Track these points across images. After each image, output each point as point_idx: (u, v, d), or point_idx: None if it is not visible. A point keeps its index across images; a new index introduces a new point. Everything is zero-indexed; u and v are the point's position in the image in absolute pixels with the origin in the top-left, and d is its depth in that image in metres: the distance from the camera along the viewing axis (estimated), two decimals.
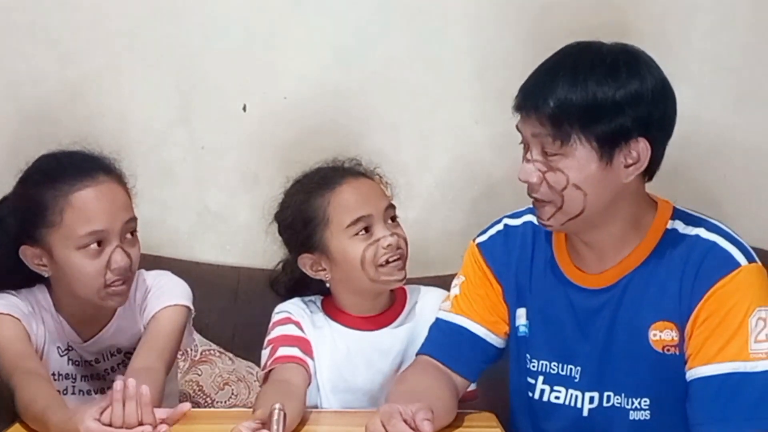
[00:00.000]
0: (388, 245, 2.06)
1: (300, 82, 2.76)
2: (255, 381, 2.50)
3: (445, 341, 2.01)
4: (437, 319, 2.04)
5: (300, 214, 2.12)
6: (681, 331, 1.83)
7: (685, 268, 1.82)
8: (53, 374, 2.12)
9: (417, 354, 2.05)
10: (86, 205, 2.02)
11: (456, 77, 2.76)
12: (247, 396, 2.50)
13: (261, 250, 2.76)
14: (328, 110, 2.76)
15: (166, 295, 2.16)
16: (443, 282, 2.67)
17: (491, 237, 2.02)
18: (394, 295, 2.19)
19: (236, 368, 2.54)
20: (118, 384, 1.76)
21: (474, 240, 2.05)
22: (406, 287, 2.20)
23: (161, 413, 1.78)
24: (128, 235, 2.07)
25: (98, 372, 2.19)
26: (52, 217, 2.02)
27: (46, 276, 2.09)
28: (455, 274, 2.63)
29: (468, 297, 2.00)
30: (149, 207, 2.77)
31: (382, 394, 2.11)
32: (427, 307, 2.16)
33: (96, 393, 2.18)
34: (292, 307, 2.17)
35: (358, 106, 2.76)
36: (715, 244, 1.83)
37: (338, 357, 2.13)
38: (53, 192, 2.03)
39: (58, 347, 2.15)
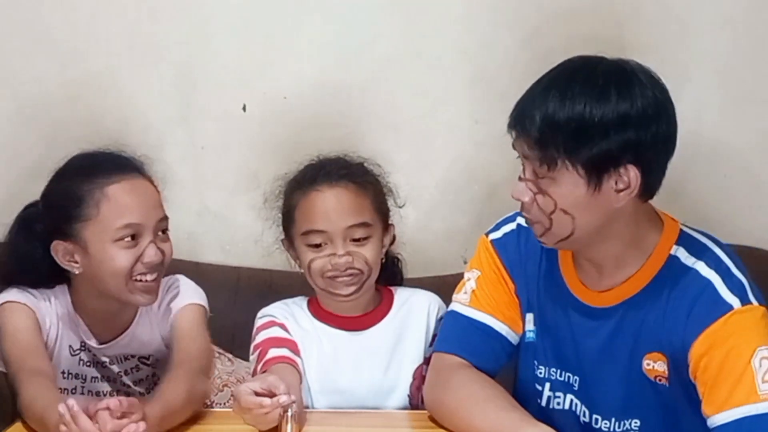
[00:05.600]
0: (334, 264, 2.07)
1: (300, 82, 2.76)
2: None
3: (469, 339, 1.98)
4: (454, 312, 2.01)
5: (285, 203, 2.16)
6: (671, 365, 1.81)
7: (680, 304, 1.80)
8: (63, 372, 2.13)
9: (435, 351, 2.02)
10: (122, 198, 2.05)
11: (456, 77, 2.75)
12: None
13: (261, 250, 2.77)
14: (328, 110, 2.76)
15: (183, 295, 2.18)
16: (443, 282, 2.67)
17: (505, 235, 2.00)
18: (381, 295, 2.20)
19: (235, 369, 2.53)
20: (63, 407, 1.76)
21: (487, 235, 2.02)
22: (392, 288, 2.21)
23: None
24: (160, 233, 2.09)
25: (110, 374, 2.19)
26: (88, 210, 2.04)
27: (76, 272, 2.09)
28: (455, 275, 2.63)
29: (486, 292, 1.98)
30: None
31: (370, 395, 2.13)
32: (415, 309, 2.17)
33: (105, 395, 2.18)
34: (276, 310, 2.19)
35: (358, 106, 2.76)
36: (709, 283, 1.79)
37: (325, 358, 2.14)
38: (89, 185, 2.05)
39: (70, 347, 2.15)
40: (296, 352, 2.12)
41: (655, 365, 1.83)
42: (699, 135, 2.68)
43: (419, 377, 2.13)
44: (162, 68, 2.76)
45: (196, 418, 2.00)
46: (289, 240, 2.17)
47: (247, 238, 2.79)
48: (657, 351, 1.82)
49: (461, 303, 2.00)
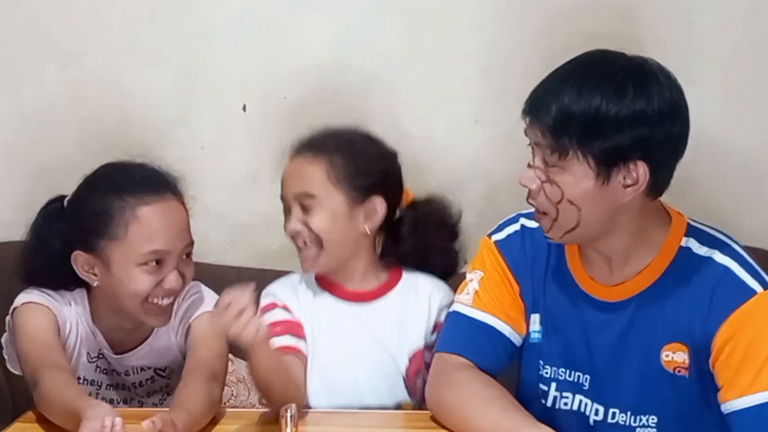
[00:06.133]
0: (289, 232, 2.11)
1: (300, 82, 2.76)
2: None
3: (471, 339, 1.98)
4: (457, 313, 2.01)
5: None
6: (692, 354, 1.82)
7: (699, 292, 1.81)
8: (78, 378, 2.12)
9: (437, 351, 2.01)
10: (152, 222, 2.02)
11: (456, 77, 2.75)
12: (247, 397, 2.49)
13: (261, 250, 2.77)
14: (328, 110, 2.76)
15: (201, 303, 2.16)
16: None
17: (509, 236, 2.00)
18: (389, 274, 2.18)
19: (236, 369, 2.53)
20: (109, 420, 1.72)
21: (489, 236, 2.02)
22: (403, 271, 2.19)
23: None
24: (184, 256, 2.08)
25: (125, 383, 2.19)
26: (116, 229, 2.01)
27: (94, 284, 2.08)
28: (455, 275, 2.63)
29: (489, 293, 1.98)
30: None
31: (368, 372, 2.13)
32: (419, 292, 2.16)
33: (119, 403, 2.18)
34: (278, 289, 2.19)
35: (358, 106, 2.76)
36: (728, 269, 1.81)
37: (324, 329, 2.14)
38: (119, 203, 2.02)
39: (88, 353, 2.15)
40: (299, 334, 2.12)
41: (675, 356, 1.83)
42: (700, 135, 2.66)
43: (417, 361, 2.14)
44: (162, 68, 2.76)
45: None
46: None
47: (247, 238, 2.80)
48: (677, 341, 1.83)
49: (464, 303, 2.00)
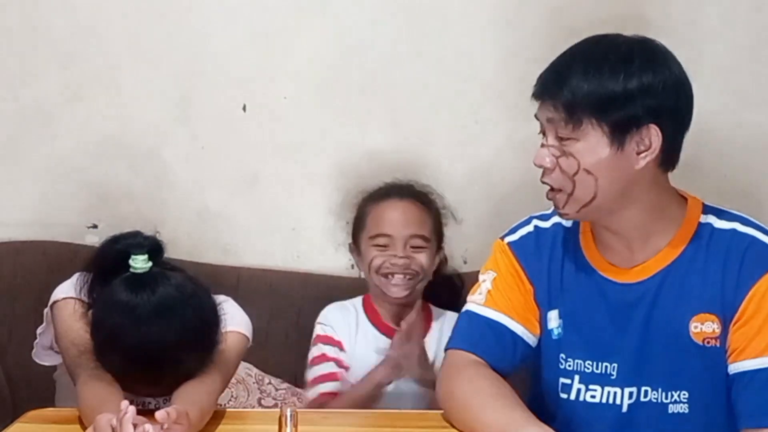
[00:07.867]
0: (393, 263, 2.36)
1: (300, 82, 2.76)
2: (254, 383, 2.50)
3: (483, 337, 1.97)
4: (469, 312, 2.00)
5: (357, 213, 2.48)
6: (723, 323, 1.83)
7: (726, 260, 1.84)
8: None
9: (448, 348, 2.02)
10: None
11: (456, 77, 2.75)
12: (246, 398, 2.49)
13: (261, 250, 2.78)
14: (328, 110, 2.77)
15: (228, 320, 2.09)
16: None
17: (522, 237, 2.00)
18: (426, 311, 2.42)
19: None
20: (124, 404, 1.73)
21: (503, 238, 2.02)
22: (432, 308, 2.44)
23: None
24: None
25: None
26: None
27: None
28: (455, 275, 2.62)
29: (502, 293, 1.98)
30: (149, 207, 2.78)
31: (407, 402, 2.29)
32: (446, 324, 2.37)
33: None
34: (332, 315, 2.43)
35: (358, 106, 2.76)
36: (754, 238, 1.85)
37: (370, 360, 2.34)
38: None
39: None
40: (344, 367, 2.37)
41: (703, 327, 1.84)
42: (700, 135, 2.67)
43: None
44: (162, 68, 2.76)
45: None
46: (356, 244, 2.44)
47: (247, 238, 2.80)
48: (705, 312, 1.84)
49: (476, 303, 1.99)
